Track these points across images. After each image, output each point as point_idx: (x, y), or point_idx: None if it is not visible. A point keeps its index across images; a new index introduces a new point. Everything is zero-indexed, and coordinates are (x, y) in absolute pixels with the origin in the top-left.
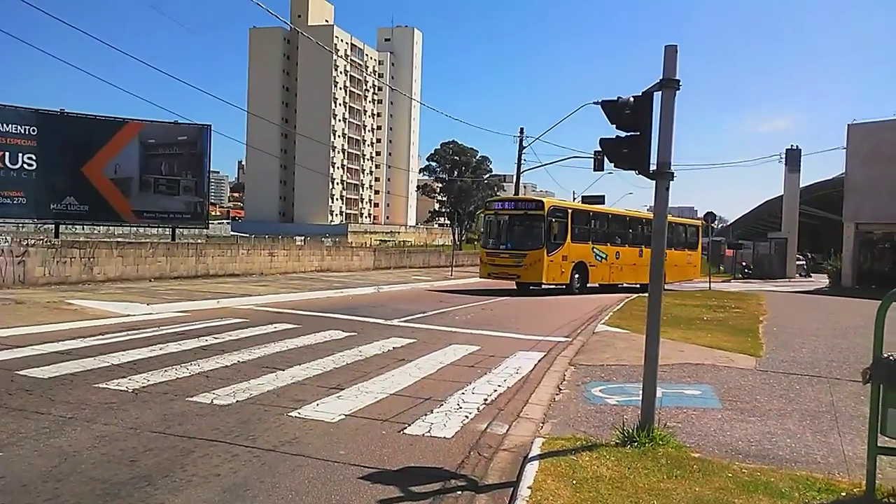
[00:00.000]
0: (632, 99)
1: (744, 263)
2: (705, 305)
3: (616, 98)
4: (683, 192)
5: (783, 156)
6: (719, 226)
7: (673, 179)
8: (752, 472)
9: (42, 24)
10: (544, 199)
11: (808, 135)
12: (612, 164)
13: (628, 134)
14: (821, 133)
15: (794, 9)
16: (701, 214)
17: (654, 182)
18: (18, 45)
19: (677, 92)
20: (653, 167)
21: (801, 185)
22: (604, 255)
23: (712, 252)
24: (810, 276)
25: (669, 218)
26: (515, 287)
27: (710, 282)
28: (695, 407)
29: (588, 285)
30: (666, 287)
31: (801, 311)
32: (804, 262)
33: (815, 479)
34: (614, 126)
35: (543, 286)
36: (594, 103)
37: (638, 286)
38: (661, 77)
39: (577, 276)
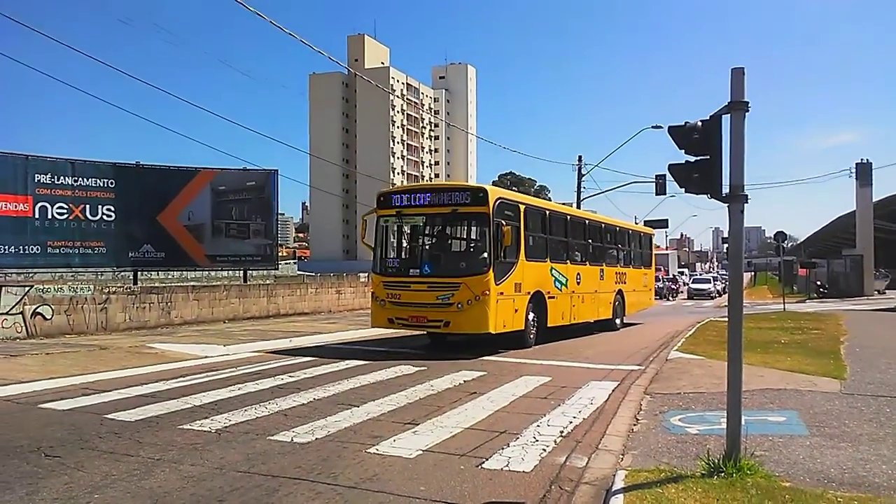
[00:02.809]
0: (700, 123)
1: (818, 283)
2: (781, 328)
3: (684, 123)
4: (749, 212)
5: (853, 170)
6: (789, 245)
7: (747, 202)
8: (849, 500)
9: (110, 78)
10: (486, 188)
11: (879, 148)
12: (683, 189)
13: (698, 158)
14: (891, 145)
15: (847, 19)
16: (770, 234)
17: (724, 205)
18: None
19: (746, 113)
20: (725, 190)
21: (875, 200)
22: (563, 281)
23: (784, 272)
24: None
25: (622, 224)
26: (427, 337)
27: (784, 303)
28: (781, 434)
29: (547, 328)
30: (626, 322)
31: (885, 330)
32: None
33: None
34: (683, 151)
35: (468, 337)
36: (653, 127)
37: (593, 322)
38: (729, 99)
39: (533, 316)
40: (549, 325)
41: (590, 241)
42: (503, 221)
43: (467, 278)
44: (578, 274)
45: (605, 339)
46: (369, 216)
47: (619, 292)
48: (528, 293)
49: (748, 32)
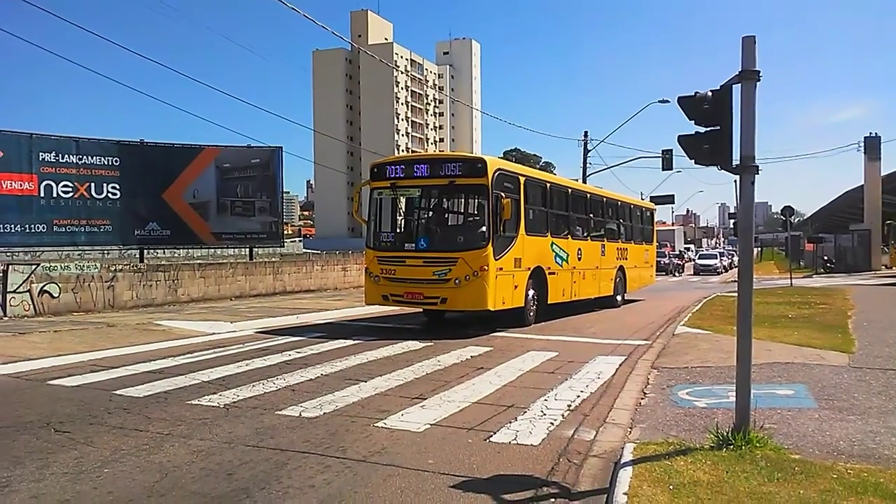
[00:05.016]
0: (710, 93)
1: (825, 258)
2: (788, 302)
3: (694, 93)
4: (755, 187)
5: (861, 144)
6: (796, 220)
7: (758, 173)
8: (859, 472)
9: (115, 57)
10: (485, 158)
11: (888, 121)
12: (693, 161)
13: (708, 129)
14: None
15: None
16: (777, 210)
17: (731, 181)
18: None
19: (757, 83)
20: (735, 161)
21: (883, 174)
22: (564, 256)
23: (791, 247)
24: None
25: (624, 198)
26: (424, 315)
27: (791, 278)
28: (789, 407)
29: (548, 305)
30: (627, 299)
31: (892, 305)
32: None
33: None
34: (693, 122)
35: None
36: (660, 102)
37: (594, 299)
38: (739, 69)
39: (533, 292)
40: (549, 302)
41: (591, 215)
42: (502, 194)
43: (465, 253)
44: (580, 249)
45: (609, 316)
46: (363, 188)
47: (621, 268)
48: (529, 269)
49: (759, 3)
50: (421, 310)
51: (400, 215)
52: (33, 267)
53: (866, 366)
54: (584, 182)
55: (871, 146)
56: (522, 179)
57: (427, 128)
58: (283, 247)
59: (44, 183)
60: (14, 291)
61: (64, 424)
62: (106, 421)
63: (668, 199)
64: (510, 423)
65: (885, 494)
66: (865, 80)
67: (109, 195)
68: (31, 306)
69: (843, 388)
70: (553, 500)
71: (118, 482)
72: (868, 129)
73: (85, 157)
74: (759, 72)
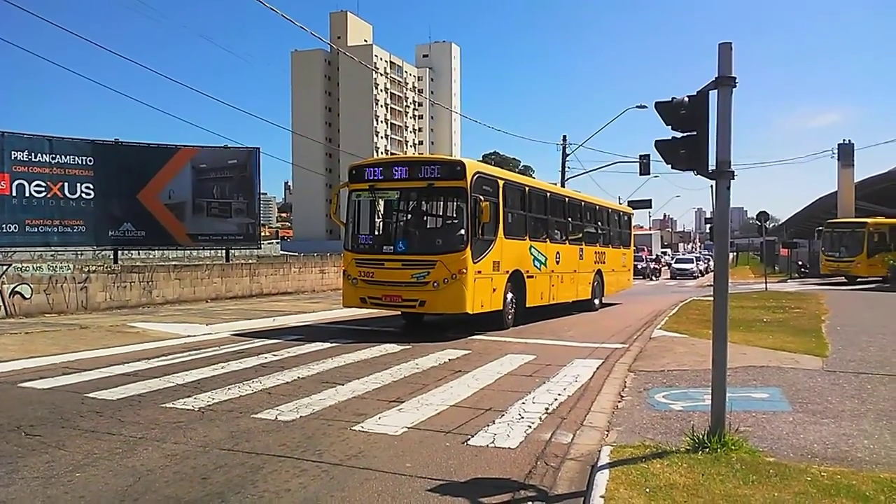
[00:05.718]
0: (687, 99)
1: (800, 263)
2: (763, 307)
3: (671, 98)
4: (732, 192)
5: (835, 151)
6: (771, 225)
7: (734, 178)
8: (832, 475)
9: (88, 53)
10: (464, 161)
11: (862, 128)
12: (669, 166)
13: (685, 134)
14: (874, 126)
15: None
16: (752, 214)
17: (707, 185)
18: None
19: (733, 89)
20: (711, 167)
21: (856, 180)
22: (543, 260)
23: (766, 252)
24: None
25: (602, 202)
26: (402, 317)
27: (766, 282)
28: (764, 410)
29: (526, 309)
30: (604, 303)
31: (864, 309)
32: None
33: None
34: (669, 127)
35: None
36: (638, 107)
37: (571, 303)
38: (716, 75)
39: (511, 296)
40: (527, 305)
41: (569, 219)
42: (481, 197)
43: (443, 256)
44: (558, 253)
45: (587, 319)
46: (341, 190)
47: (599, 272)
48: (507, 272)
49: (736, 11)
50: (399, 312)
51: (378, 218)
52: (4, 267)
53: (840, 369)
54: (563, 186)
55: (845, 153)
56: (501, 183)
57: (406, 130)
58: (260, 249)
59: (16, 182)
60: None
61: (35, 428)
62: (78, 424)
63: (646, 204)
64: (488, 426)
65: (858, 496)
66: (842, 87)
67: (83, 195)
68: (2, 307)
69: (817, 391)
70: (530, 503)
71: (90, 486)
72: (843, 135)
73: (58, 156)
74: (734, 78)
